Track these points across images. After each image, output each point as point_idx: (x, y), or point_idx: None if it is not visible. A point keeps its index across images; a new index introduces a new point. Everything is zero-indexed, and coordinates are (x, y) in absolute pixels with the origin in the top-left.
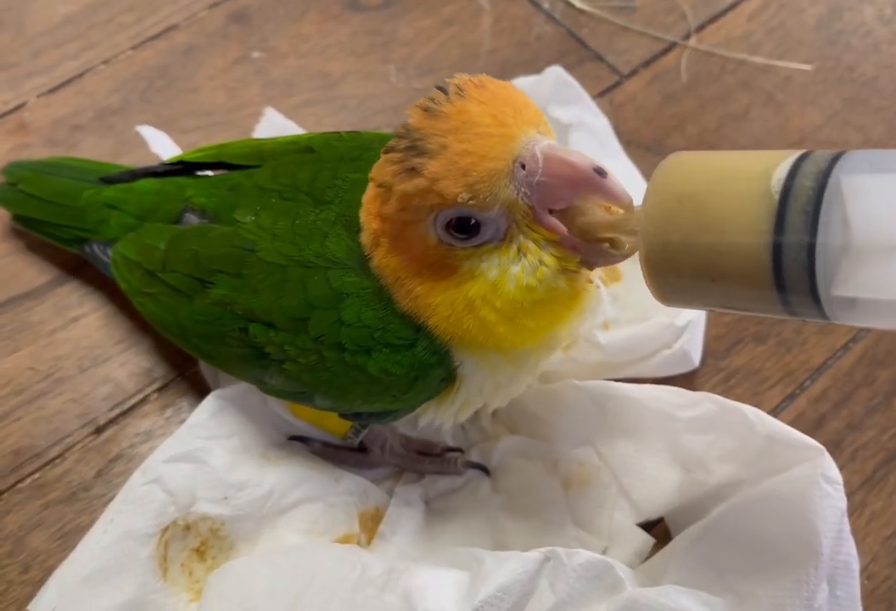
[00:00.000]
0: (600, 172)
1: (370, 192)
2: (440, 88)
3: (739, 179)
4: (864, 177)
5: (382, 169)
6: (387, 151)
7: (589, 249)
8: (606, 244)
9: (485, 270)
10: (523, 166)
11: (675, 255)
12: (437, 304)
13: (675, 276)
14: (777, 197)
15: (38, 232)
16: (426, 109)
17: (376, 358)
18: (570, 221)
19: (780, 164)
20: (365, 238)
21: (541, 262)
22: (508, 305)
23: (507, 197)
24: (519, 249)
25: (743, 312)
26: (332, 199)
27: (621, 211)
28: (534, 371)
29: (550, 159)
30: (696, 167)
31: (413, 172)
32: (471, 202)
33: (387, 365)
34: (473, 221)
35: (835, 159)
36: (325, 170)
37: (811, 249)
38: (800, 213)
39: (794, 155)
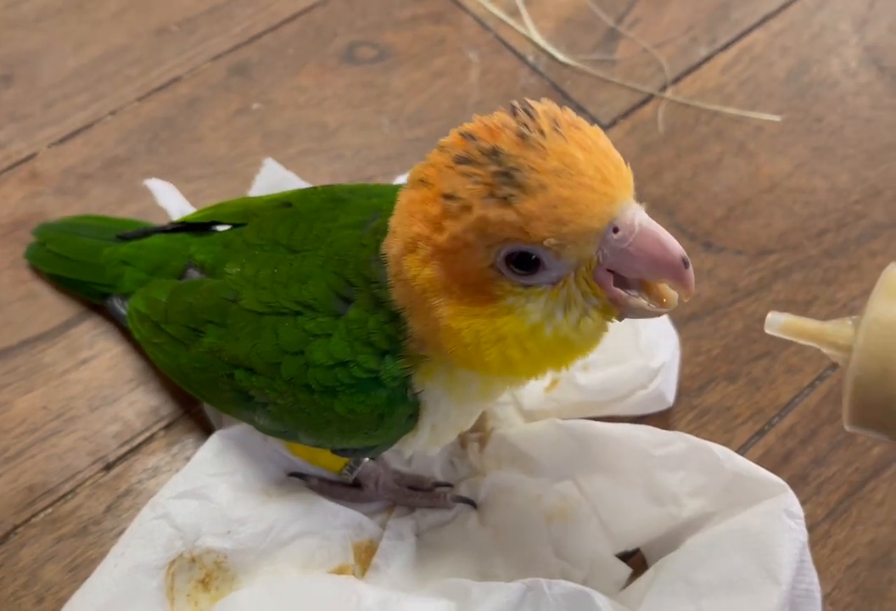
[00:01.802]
0: (685, 261)
1: (415, 194)
2: (526, 111)
3: None
4: None
5: (454, 180)
6: (459, 162)
7: (630, 304)
8: (645, 301)
9: (528, 311)
10: (615, 230)
11: (895, 386)
12: (462, 328)
13: (885, 407)
14: None
15: (70, 288)
16: (521, 136)
17: (342, 399)
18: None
19: None
20: (393, 243)
21: (586, 314)
22: (540, 349)
23: (587, 253)
24: (568, 298)
25: None
26: (316, 247)
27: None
28: (497, 398)
29: (646, 234)
30: None
31: (504, 201)
32: (553, 247)
33: (352, 405)
34: (534, 257)
35: None
36: (302, 222)
37: None
38: None
39: None
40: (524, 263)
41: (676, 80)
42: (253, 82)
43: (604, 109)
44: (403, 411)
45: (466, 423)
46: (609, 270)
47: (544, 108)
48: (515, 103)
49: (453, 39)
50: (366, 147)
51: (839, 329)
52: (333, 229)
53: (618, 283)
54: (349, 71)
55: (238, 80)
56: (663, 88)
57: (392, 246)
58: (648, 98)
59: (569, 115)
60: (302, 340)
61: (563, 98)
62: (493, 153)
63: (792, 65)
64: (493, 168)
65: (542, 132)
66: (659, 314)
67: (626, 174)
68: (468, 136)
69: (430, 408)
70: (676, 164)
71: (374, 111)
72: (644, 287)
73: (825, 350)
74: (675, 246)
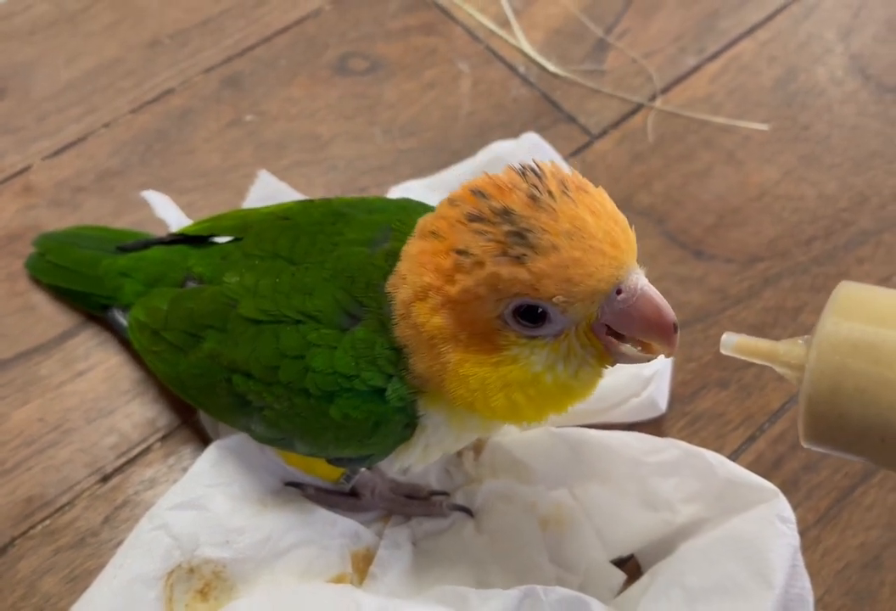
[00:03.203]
0: (675, 327)
1: (427, 245)
2: (534, 172)
3: None
4: None
5: (466, 236)
6: (472, 220)
7: (622, 352)
8: (638, 348)
9: (532, 362)
10: (619, 292)
11: (846, 404)
12: (468, 375)
13: (836, 424)
14: None
15: (70, 299)
16: (533, 198)
17: (338, 403)
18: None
19: None
20: (402, 289)
21: (584, 363)
22: (542, 395)
23: (590, 310)
24: (569, 350)
25: None
26: (320, 260)
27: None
28: (497, 431)
29: (646, 299)
30: (880, 308)
31: (517, 260)
32: (561, 304)
33: (347, 410)
34: (541, 311)
35: None
36: (303, 235)
37: None
38: None
39: None
40: (531, 315)
41: (665, 89)
42: (245, 94)
43: (594, 119)
44: (400, 420)
45: (458, 447)
46: (604, 324)
47: (552, 169)
48: (523, 164)
49: (444, 50)
50: (359, 158)
51: (791, 349)
52: (341, 244)
53: (610, 332)
54: (341, 82)
55: (230, 91)
56: (652, 98)
57: (400, 289)
58: (638, 108)
59: (577, 177)
60: (303, 345)
61: (554, 108)
62: (505, 213)
63: (779, 74)
64: (506, 228)
65: (551, 194)
66: (648, 360)
67: (632, 238)
68: (479, 194)
69: (429, 431)
70: (666, 173)
71: (366, 122)
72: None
73: (779, 370)
74: (669, 312)
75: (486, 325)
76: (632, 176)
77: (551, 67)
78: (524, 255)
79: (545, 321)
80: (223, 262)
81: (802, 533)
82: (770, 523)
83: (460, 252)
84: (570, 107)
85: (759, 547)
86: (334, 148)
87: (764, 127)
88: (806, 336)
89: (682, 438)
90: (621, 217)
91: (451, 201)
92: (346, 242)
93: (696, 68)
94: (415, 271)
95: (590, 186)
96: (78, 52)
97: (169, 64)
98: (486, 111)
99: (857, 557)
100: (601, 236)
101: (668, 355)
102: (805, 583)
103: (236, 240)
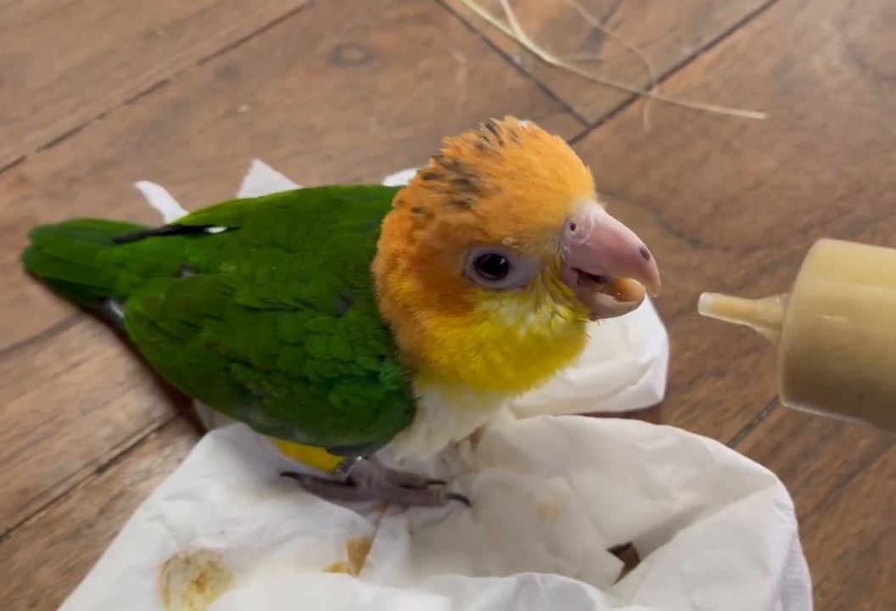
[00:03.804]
0: (645, 253)
1: (395, 214)
2: (489, 128)
3: None
4: None
5: (421, 194)
6: (427, 178)
7: (598, 301)
8: (614, 298)
9: (502, 315)
10: (573, 227)
11: (824, 362)
12: (445, 339)
13: (815, 382)
14: None
15: (67, 291)
16: (480, 147)
17: (338, 390)
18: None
19: None
20: (378, 262)
21: (555, 312)
22: (518, 351)
23: (548, 251)
24: (537, 300)
25: (888, 429)
26: (316, 247)
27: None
28: (497, 409)
29: (602, 228)
30: (857, 265)
31: (462, 206)
32: (513, 246)
33: (347, 396)
34: (503, 261)
35: None
36: (300, 222)
37: None
38: None
39: None
40: (492, 267)
41: (661, 79)
42: (240, 85)
43: (590, 109)
44: (399, 406)
45: (462, 432)
46: (574, 270)
47: (507, 124)
48: (482, 123)
49: (440, 41)
50: (354, 148)
51: (769, 307)
52: (336, 230)
53: (582, 282)
54: (336, 73)
55: (225, 82)
56: (649, 88)
57: (377, 265)
58: (634, 97)
59: (531, 127)
60: (301, 333)
61: (550, 98)
62: (455, 165)
63: (775, 63)
64: (453, 177)
65: (501, 143)
66: (628, 309)
67: (584, 175)
68: (437, 155)
69: (429, 413)
70: (662, 162)
71: (361, 112)
72: (612, 286)
73: (757, 329)
74: (632, 238)
75: (454, 284)
76: (628, 165)
77: (547, 57)
78: (469, 199)
79: (508, 271)
80: (219, 251)
81: (801, 520)
82: (767, 510)
83: (416, 210)
84: (566, 96)
85: (757, 533)
86: (329, 138)
87: (760, 116)
88: (784, 294)
89: (680, 427)
90: (573, 157)
91: (419, 172)
92: (340, 229)
93: (692, 58)
94: (385, 241)
95: (544, 133)
96: (72, 44)
97: (164, 55)
98: (481, 101)
99: (856, 544)
100: (546, 174)
101: (653, 292)
102: (803, 569)
103: (233, 229)
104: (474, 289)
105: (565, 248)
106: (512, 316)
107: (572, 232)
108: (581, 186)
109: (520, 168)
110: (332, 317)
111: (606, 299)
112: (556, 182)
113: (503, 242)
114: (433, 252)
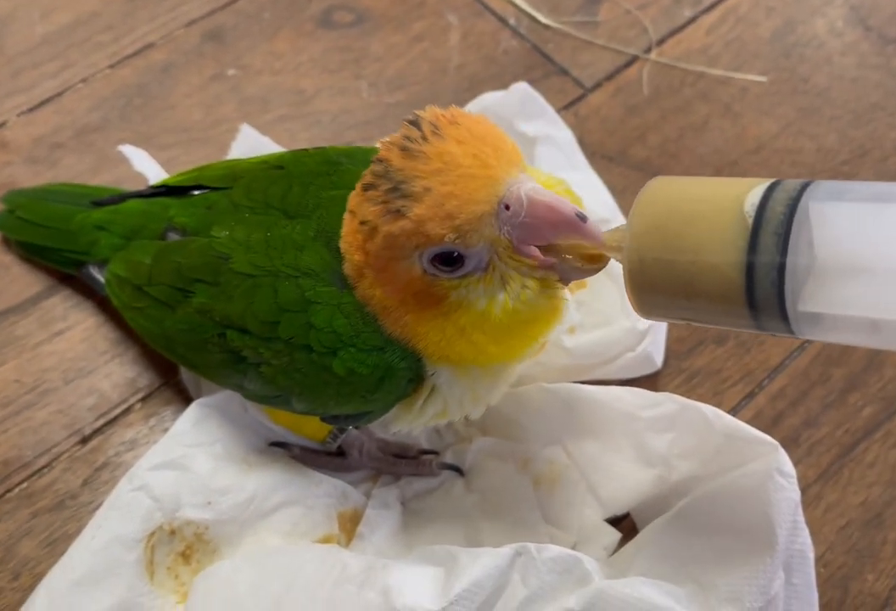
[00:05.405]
0: (581, 216)
1: (350, 225)
2: (413, 123)
3: (716, 204)
4: (829, 204)
5: (364, 207)
6: (366, 189)
7: (564, 267)
8: (578, 262)
9: (473, 299)
10: (507, 207)
11: (655, 272)
12: (427, 331)
13: (653, 291)
14: (750, 221)
15: (41, 257)
16: (404, 149)
17: (342, 357)
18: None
19: (753, 190)
20: (348, 269)
21: (524, 286)
22: (497, 328)
23: (490, 235)
24: (502, 277)
25: (714, 325)
26: (308, 213)
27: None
28: (510, 379)
29: (534, 203)
30: (676, 192)
31: (398, 214)
32: (456, 241)
33: (352, 365)
34: (457, 254)
35: (804, 188)
36: (296, 185)
37: (781, 268)
38: (771, 235)
39: (765, 183)
40: (447, 261)
41: (661, 41)
42: (228, 48)
43: (588, 72)
44: (404, 375)
45: (479, 409)
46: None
47: (428, 114)
48: (407, 117)
49: (432, 2)
50: (344, 112)
51: (613, 234)
52: (325, 200)
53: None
54: (326, 35)
55: (212, 45)
56: (648, 50)
57: (348, 269)
58: (633, 60)
59: (450, 113)
60: (303, 301)
61: (546, 61)
62: (386, 173)
63: (777, 25)
64: (386, 186)
65: (424, 138)
66: (595, 270)
67: (508, 151)
68: (375, 161)
69: (444, 392)
70: (662, 125)
71: (352, 76)
72: (571, 251)
73: (614, 257)
74: (565, 206)
75: (419, 282)
76: (627, 129)
77: (543, 19)
78: (403, 206)
79: (464, 260)
80: (209, 212)
81: (803, 490)
82: (769, 477)
83: (362, 223)
84: (563, 59)
85: (759, 502)
86: (319, 102)
87: (762, 79)
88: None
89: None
90: (496, 135)
91: (359, 182)
92: (330, 199)
93: (692, 19)
94: (348, 251)
95: (464, 116)
96: (53, 7)
97: (149, 18)
98: (475, 64)
99: (859, 514)
100: (469, 162)
101: (601, 249)
102: (805, 539)
103: (221, 190)
104: (440, 282)
105: (507, 228)
106: (483, 298)
107: (507, 212)
108: (507, 164)
109: (444, 163)
110: (334, 288)
111: (570, 262)
112: (480, 168)
113: (445, 239)
114: (388, 260)
